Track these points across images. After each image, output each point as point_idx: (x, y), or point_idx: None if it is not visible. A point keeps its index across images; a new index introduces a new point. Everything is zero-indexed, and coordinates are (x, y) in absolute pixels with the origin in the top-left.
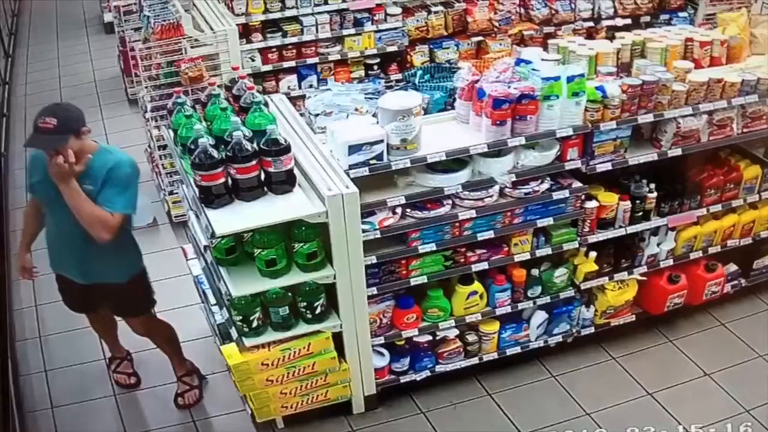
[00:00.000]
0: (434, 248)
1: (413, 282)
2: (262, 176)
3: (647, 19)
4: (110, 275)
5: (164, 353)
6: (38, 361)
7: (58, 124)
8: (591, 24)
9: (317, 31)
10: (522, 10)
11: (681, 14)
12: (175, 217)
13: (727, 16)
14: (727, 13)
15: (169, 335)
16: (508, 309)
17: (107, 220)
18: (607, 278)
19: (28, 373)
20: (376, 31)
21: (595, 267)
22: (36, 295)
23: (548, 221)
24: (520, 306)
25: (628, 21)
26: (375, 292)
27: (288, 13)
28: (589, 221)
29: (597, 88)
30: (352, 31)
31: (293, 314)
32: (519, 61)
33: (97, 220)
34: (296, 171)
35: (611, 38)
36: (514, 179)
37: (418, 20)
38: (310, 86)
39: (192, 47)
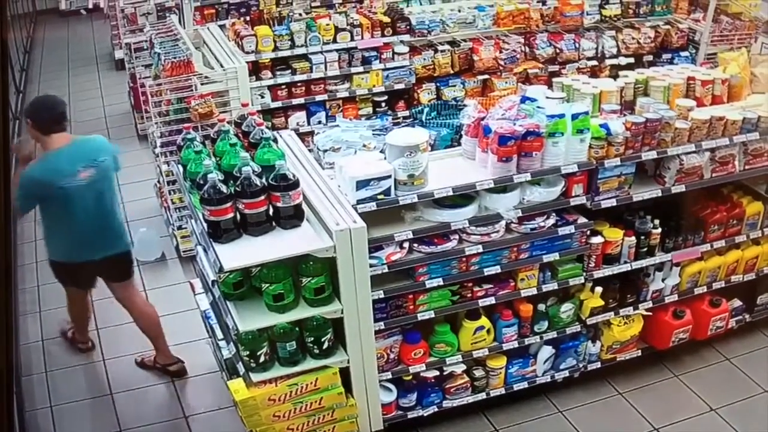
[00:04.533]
0: (441, 283)
1: (420, 317)
2: (271, 211)
3: (650, 58)
4: (121, 245)
5: (148, 338)
6: (44, 397)
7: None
8: (595, 63)
9: (326, 69)
10: (527, 49)
11: (683, 54)
12: (184, 251)
13: (727, 56)
14: (728, 52)
15: (150, 318)
16: (515, 344)
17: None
18: (612, 313)
19: (33, 409)
20: (383, 69)
21: (601, 302)
22: (43, 330)
23: (554, 256)
24: (527, 341)
25: (631, 60)
26: (382, 327)
27: (297, 51)
28: (594, 257)
29: (601, 125)
30: (360, 69)
31: (300, 349)
32: (524, 99)
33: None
34: (304, 206)
35: (615, 77)
36: (520, 215)
37: (424, 59)
38: (319, 122)
39: (202, 84)
